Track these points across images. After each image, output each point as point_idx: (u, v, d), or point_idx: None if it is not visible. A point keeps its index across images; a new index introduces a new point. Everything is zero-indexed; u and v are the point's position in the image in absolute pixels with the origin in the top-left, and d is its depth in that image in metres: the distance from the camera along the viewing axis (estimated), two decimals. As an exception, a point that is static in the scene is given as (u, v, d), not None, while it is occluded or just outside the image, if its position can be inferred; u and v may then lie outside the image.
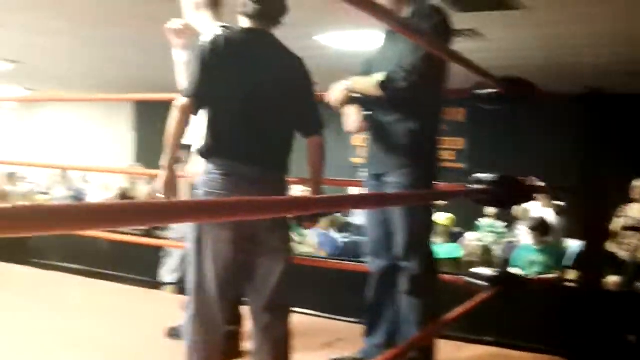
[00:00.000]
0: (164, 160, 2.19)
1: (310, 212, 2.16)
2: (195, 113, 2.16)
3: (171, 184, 2.21)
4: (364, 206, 2.56)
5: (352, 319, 3.31)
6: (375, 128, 2.52)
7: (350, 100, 2.53)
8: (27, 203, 7.40)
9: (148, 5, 5.06)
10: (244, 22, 2.24)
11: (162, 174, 2.21)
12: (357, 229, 7.55)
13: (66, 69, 8.79)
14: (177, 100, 2.14)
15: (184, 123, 2.14)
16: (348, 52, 6.25)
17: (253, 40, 2.22)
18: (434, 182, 2.50)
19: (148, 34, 6.13)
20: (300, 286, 4.10)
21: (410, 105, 2.39)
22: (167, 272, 4.59)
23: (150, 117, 11.82)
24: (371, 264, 2.61)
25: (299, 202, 1.22)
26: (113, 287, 4.42)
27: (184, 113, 2.13)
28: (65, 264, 5.22)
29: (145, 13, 5.35)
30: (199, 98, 2.14)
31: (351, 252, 6.50)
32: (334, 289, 4.13)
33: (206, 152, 2.18)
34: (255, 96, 2.17)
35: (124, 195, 7.47)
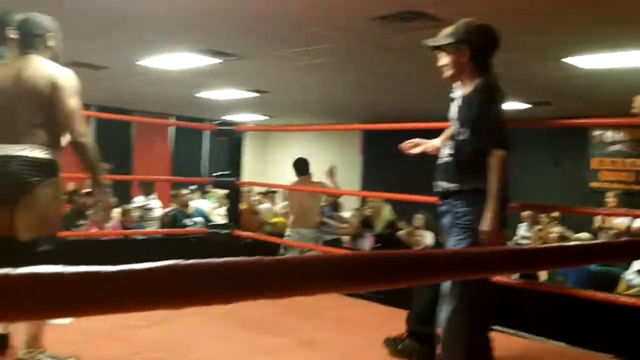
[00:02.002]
0: (493, 206, 2.36)
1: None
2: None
3: (497, 233, 2.36)
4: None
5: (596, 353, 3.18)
6: None
7: None
8: (272, 219, 7.80)
9: (381, 35, 5.27)
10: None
11: (490, 219, 2.36)
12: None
13: (301, 97, 9.41)
14: (498, 152, 2.38)
15: (506, 171, 2.39)
16: (600, 71, 6.20)
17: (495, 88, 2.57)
18: None
19: (378, 62, 6.33)
20: (555, 316, 3.78)
21: None
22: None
23: (377, 141, 12.12)
24: None
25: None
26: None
27: (505, 163, 2.38)
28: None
29: (378, 43, 5.54)
30: (509, 147, 2.40)
31: (601, 282, 5.81)
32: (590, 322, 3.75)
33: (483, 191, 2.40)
34: None
35: (365, 221, 7.14)
